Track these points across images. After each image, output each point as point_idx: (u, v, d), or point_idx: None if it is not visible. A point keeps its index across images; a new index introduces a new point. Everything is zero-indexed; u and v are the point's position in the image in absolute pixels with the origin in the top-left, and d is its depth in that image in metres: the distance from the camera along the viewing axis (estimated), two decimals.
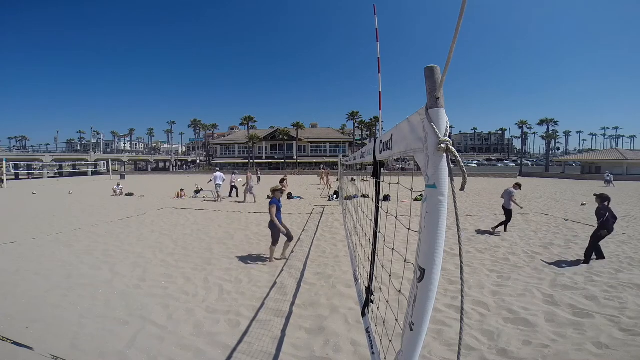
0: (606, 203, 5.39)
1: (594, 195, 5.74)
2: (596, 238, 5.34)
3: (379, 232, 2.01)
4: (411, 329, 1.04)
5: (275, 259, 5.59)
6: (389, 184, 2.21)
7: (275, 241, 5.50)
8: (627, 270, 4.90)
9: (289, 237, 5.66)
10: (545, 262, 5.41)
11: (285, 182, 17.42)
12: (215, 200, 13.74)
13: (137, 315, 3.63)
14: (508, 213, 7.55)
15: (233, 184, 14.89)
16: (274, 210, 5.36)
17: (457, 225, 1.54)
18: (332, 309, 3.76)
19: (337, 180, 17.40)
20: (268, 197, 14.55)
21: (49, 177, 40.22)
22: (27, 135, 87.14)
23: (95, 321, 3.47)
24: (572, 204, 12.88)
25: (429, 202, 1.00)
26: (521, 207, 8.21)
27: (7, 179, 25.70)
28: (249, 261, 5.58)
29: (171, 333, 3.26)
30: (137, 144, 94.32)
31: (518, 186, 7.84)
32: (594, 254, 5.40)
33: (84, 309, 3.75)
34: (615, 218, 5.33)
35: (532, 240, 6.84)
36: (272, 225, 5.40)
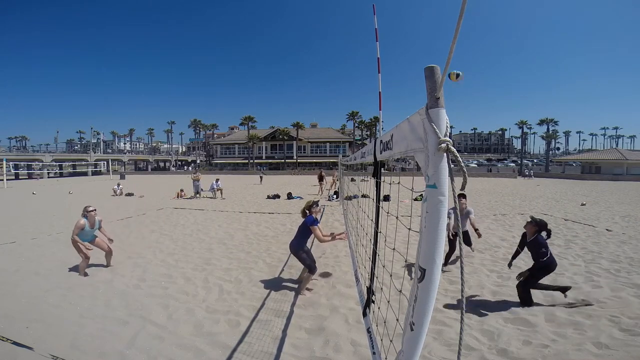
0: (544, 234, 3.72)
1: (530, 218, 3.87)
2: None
3: (380, 232, 2.01)
4: (412, 329, 1.04)
5: (306, 290, 4.22)
6: (390, 184, 2.21)
7: (312, 269, 4.18)
8: (627, 270, 4.90)
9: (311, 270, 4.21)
10: None
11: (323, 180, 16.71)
12: (212, 197, 15.39)
13: (137, 315, 3.62)
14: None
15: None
16: (319, 232, 4.12)
17: (457, 225, 1.54)
18: (332, 309, 3.75)
19: (337, 180, 17.38)
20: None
21: (49, 177, 40.20)
22: (27, 135, 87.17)
23: (95, 321, 3.47)
24: (572, 204, 12.89)
25: (429, 202, 1.00)
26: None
27: (7, 179, 25.68)
28: (249, 261, 5.57)
29: (171, 333, 3.26)
30: (137, 144, 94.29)
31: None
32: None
33: (84, 309, 3.75)
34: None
35: None
36: (298, 250, 4.18)
